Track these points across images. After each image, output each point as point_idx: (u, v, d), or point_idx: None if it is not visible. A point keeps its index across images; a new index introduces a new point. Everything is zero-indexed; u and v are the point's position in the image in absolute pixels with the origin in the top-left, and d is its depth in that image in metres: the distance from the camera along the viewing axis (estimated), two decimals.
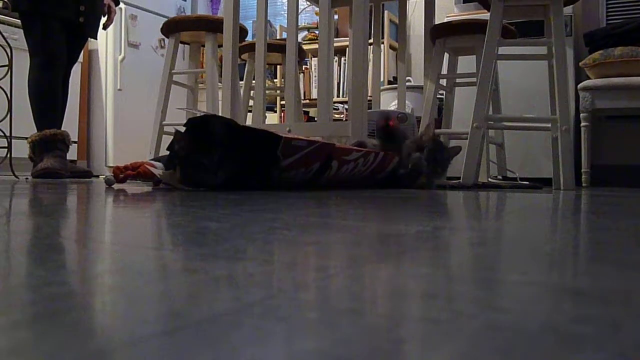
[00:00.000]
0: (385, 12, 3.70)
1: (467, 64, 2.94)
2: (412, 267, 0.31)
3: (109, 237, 0.43)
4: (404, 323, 0.20)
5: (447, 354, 0.16)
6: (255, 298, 0.23)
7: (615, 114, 3.09)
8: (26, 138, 2.56)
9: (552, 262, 0.34)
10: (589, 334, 0.19)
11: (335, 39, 3.64)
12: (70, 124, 3.35)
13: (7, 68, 2.45)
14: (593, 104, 2.82)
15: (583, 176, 2.85)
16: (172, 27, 2.54)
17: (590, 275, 0.30)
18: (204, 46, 2.67)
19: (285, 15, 3.69)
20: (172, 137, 1.37)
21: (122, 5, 3.70)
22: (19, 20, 2.59)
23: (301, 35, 4.14)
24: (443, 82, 2.49)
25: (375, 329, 0.19)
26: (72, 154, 3.48)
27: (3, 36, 2.50)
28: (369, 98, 2.46)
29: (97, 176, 3.43)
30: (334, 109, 3.71)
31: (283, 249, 0.38)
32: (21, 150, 2.87)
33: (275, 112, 3.84)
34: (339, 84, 3.94)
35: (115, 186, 1.54)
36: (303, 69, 3.99)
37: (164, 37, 3.09)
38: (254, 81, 2.26)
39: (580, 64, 2.92)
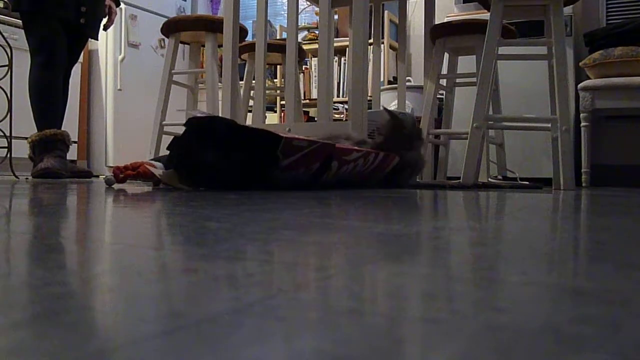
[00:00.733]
0: (385, 12, 3.70)
1: (467, 64, 2.94)
2: (412, 267, 0.31)
3: (109, 237, 0.43)
4: (404, 323, 0.20)
5: (447, 354, 0.16)
6: (255, 298, 0.23)
7: (615, 114, 3.09)
8: (26, 138, 2.56)
9: (552, 262, 0.34)
10: (589, 334, 0.19)
11: (335, 39, 3.65)
12: (70, 124, 3.36)
13: (7, 68, 2.45)
14: (593, 104, 2.82)
15: (583, 176, 2.85)
16: (172, 27, 2.54)
17: (590, 275, 0.30)
18: (204, 46, 2.67)
19: (285, 15, 3.69)
20: (172, 137, 1.37)
21: (122, 5, 3.70)
22: (19, 20, 2.59)
23: (301, 35, 4.14)
24: (443, 82, 2.49)
25: (375, 329, 0.19)
26: (72, 154, 3.48)
27: (3, 36, 2.50)
28: (369, 98, 2.46)
29: (97, 176, 3.43)
30: (334, 109, 3.71)
31: (283, 249, 0.38)
32: (21, 150, 2.87)
33: (275, 112, 3.84)
34: (339, 84, 3.94)
35: (115, 186, 1.55)
36: (303, 69, 3.99)
37: (164, 37, 3.09)
38: (254, 81, 2.26)
39: (580, 64, 2.92)
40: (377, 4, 2.74)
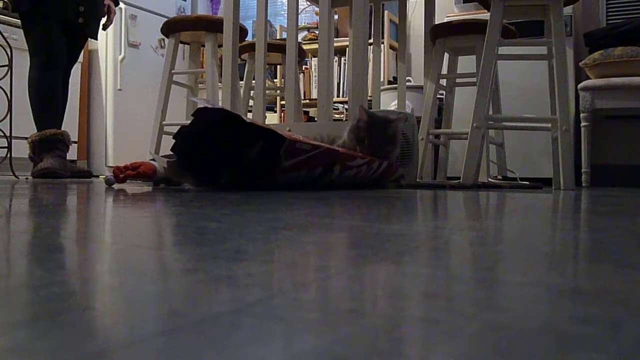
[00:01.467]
0: (385, 12, 3.70)
1: (467, 64, 2.94)
2: (412, 267, 0.31)
3: (109, 237, 0.43)
4: (403, 323, 0.20)
5: (447, 354, 0.16)
6: (255, 298, 0.23)
7: (615, 114, 3.09)
8: (26, 138, 2.56)
9: (552, 262, 0.34)
10: (589, 334, 0.19)
11: (335, 39, 3.64)
12: (70, 124, 3.35)
13: (7, 68, 2.45)
14: (593, 104, 2.82)
15: (583, 176, 2.85)
16: (172, 27, 2.54)
17: (590, 275, 0.30)
18: (204, 46, 2.67)
19: (285, 15, 3.69)
20: (172, 137, 1.36)
21: (122, 5, 3.70)
22: (19, 21, 2.59)
23: (301, 35, 4.14)
24: (443, 82, 2.49)
25: (375, 329, 0.19)
26: (72, 154, 3.48)
27: (3, 36, 2.50)
28: (369, 98, 2.46)
29: (97, 176, 3.43)
30: (334, 109, 3.71)
31: (283, 249, 0.38)
32: (21, 150, 2.87)
33: (275, 112, 3.84)
34: (339, 84, 3.94)
35: (115, 186, 1.55)
36: (303, 69, 3.99)
37: (164, 37, 3.09)
38: (254, 81, 2.26)
39: (580, 64, 2.92)
40: (377, 4, 2.74)
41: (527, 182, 2.17)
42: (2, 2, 3.32)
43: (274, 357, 0.16)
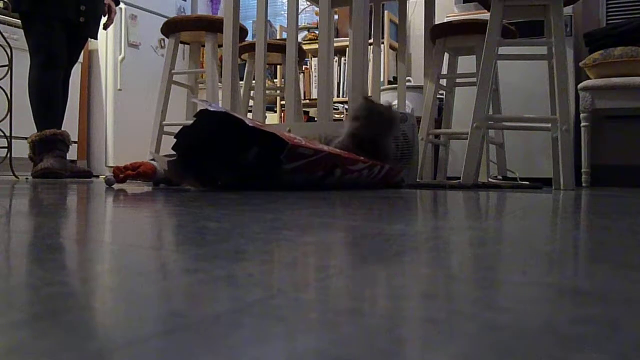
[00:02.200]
0: (385, 12, 3.69)
1: (467, 64, 2.94)
2: (412, 267, 0.31)
3: (109, 237, 0.43)
4: (404, 323, 0.20)
5: (447, 354, 0.16)
6: (255, 298, 0.23)
7: (615, 114, 3.09)
8: (26, 138, 2.56)
9: (552, 262, 0.34)
10: (589, 334, 0.19)
11: (335, 39, 3.65)
12: (70, 124, 3.36)
13: (7, 68, 2.45)
14: (593, 104, 2.82)
15: (583, 176, 2.85)
16: (172, 27, 2.54)
17: (590, 275, 0.30)
18: (204, 46, 2.67)
19: (285, 15, 3.69)
20: (172, 136, 1.36)
21: (122, 5, 3.70)
22: (19, 21, 2.59)
23: (301, 35, 4.14)
24: (443, 82, 2.49)
25: (375, 329, 0.19)
26: (72, 154, 3.48)
27: (3, 36, 2.51)
28: None
29: (97, 176, 3.43)
30: (334, 109, 3.71)
31: (283, 249, 0.38)
32: (21, 150, 2.87)
33: (275, 112, 3.84)
34: (339, 84, 3.94)
35: (115, 186, 1.54)
36: (303, 69, 3.99)
37: (164, 37, 3.09)
38: (254, 81, 2.26)
39: (580, 64, 2.92)
40: (377, 4, 2.74)
41: (527, 182, 2.17)
42: (2, 2, 3.32)
43: (274, 357, 0.16)
